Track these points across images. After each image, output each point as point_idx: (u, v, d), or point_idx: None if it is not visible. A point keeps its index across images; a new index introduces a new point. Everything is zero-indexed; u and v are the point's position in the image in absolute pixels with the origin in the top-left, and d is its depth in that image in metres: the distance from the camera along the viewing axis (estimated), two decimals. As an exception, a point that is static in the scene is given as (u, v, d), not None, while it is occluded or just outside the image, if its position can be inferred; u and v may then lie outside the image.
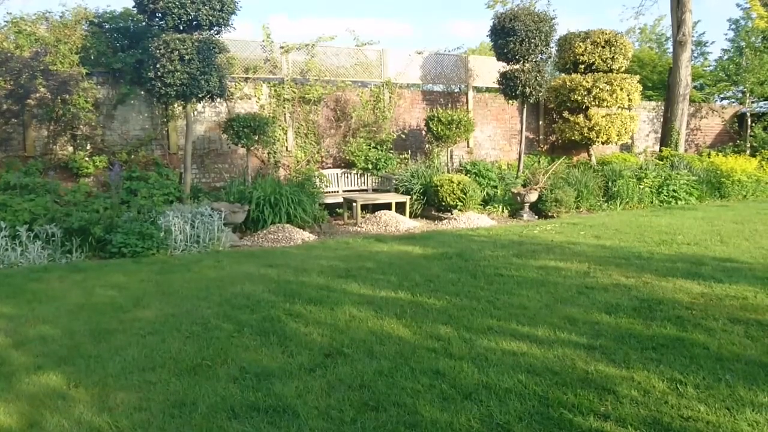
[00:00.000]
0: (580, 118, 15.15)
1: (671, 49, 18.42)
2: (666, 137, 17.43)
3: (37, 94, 10.01)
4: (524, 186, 13.07)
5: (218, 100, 11.85)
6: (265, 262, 7.67)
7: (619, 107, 15.30)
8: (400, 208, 12.03)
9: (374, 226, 11.11)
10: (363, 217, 11.78)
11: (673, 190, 13.92)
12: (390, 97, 14.04)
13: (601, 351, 4.45)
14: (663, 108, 18.04)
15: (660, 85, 20.85)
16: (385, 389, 3.81)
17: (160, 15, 9.83)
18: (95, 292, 6.33)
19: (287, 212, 10.01)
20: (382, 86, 13.94)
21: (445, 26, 51.91)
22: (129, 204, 9.52)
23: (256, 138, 10.94)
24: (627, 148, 17.86)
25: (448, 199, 11.84)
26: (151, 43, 9.77)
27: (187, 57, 9.51)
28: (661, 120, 18.26)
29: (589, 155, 15.97)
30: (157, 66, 9.54)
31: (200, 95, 9.82)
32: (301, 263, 7.60)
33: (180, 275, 7.07)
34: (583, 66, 15.16)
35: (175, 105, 11.54)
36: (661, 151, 17.15)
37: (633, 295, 5.92)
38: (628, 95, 15.04)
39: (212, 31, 10.34)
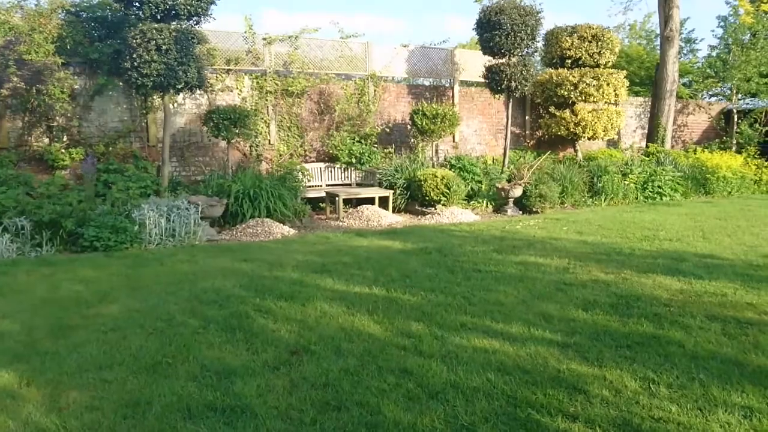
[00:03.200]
0: (567, 113, 15.07)
1: (659, 46, 18.37)
2: (653, 133, 17.37)
3: (10, 84, 9.78)
4: (509, 181, 12.96)
5: (198, 91, 11.65)
6: (240, 257, 7.51)
7: (605, 102, 15.22)
8: (384, 202, 11.89)
9: (356, 220, 10.97)
10: (345, 212, 11.63)
11: (659, 186, 13.88)
12: (375, 91, 13.88)
13: (574, 349, 4.35)
14: (650, 104, 17.99)
15: (648, 81, 20.81)
16: (349, 388, 3.68)
17: (137, 4, 9.61)
18: (62, 286, 6.15)
19: (267, 206, 9.84)
20: (367, 79, 13.78)
21: (439, 22, 51.76)
22: (105, 197, 9.32)
23: (237, 131, 10.76)
24: (614, 143, 17.81)
25: (431, 194, 11.72)
26: (128, 32, 9.55)
27: (164, 47, 9.29)
28: (648, 116, 18.22)
29: (575, 151, 15.90)
30: (134, 56, 9.32)
31: (178, 86, 9.61)
32: (277, 258, 7.44)
33: (151, 269, 6.90)
34: (569, 61, 15.07)
35: (155, 96, 11.34)
36: (647, 147, 17.09)
37: (611, 292, 5.83)
38: (614, 90, 14.95)
39: (191, 21, 10.13)
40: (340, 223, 10.89)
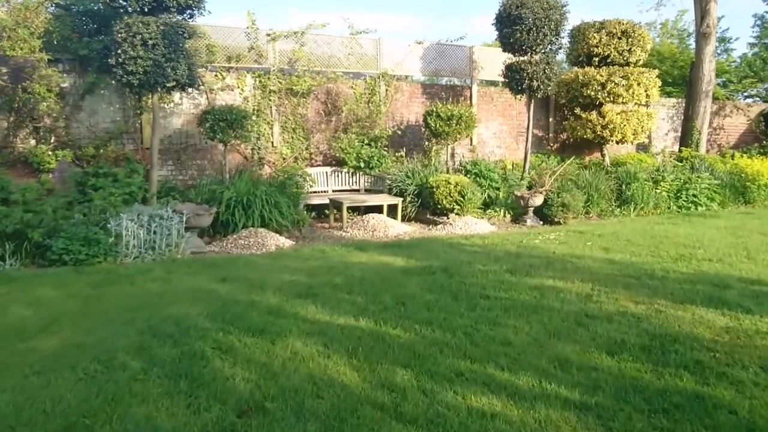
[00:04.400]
0: (593, 115, 14.04)
1: (693, 44, 17.20)
2: (686, 136, 16.22)
3: (-9, 82, 9.18)
4: (529, 188, 12.01)
5: (195, 91, 10.97)
6: (220, 275, 6.71)
7: (635, 104, 14.15)
8: (392, 211, 11.05)
9: (361, 230, 10.13)
10: (351, 220, 10.81)
11: (693, 195, 12.76)
12: (386, 90, 13.03)
13: (596, 414, 3.44)
14: (683, 105, 16.83)
15: (681, 81, 19.59)
16: (299, 472, 2.84)
17: (125, -5, 8.94)
18: (9, 311, 5.42)
19: (261, 215, 9.06)
20: (378, 78, 12.94)
21: (460, 22, 50.67)
22: (91, 204, 8.63)
23: (234, 133, 9.99)
24: (644, 147, 16.68)
25: (444, 202, 10.83)
26: (113, 26, 8.85)
27: (150, 42, 8.57)
28: (682, 118, 17.06)
29: (603, 155, 14.84)
30: (119, 52, 8.62)
31: (166, 84, 8.89)
32: (261, 277, 6.63)
33: (117, 290, 6.15)
34: (597, 59, 14.04)
35: (150, 96, 10.68)
36: (680, 151, 15.95)
37: (642, 328, 4.88)
38: (645, 91, 13.88)
39: (185, 15, 9.41)
40: (344, 234, 10.06)
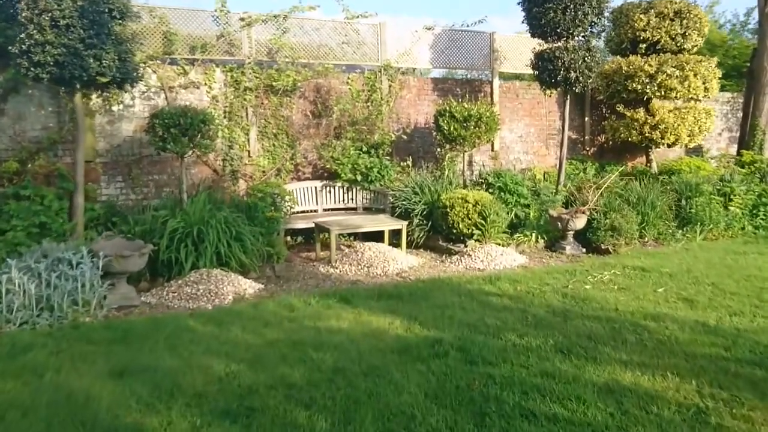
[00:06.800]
0: (640, 112, 11.64)
1: (748, 33, 14.70)
2: (747, 137, 13.71)
3: None
4: (567, 206, 9.65)
5: (145, 90, 8.80)
6: (122, 362, 4.45)
7: (691, 99, 11.73)
8: (396, 235, 8.78)
9: (354, 265, 7.85)
10: (344, 249, 8.56)
11: (773, 212, 10.28)
12: (390, 86, 10.74)
13: None
14: (742, 100, 14.33)
15: (734, 73, 17.05)
16: None
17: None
18: None
19: (217, 251, 6.82)
20: (380, 72, 10.65)
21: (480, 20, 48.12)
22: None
23: (190, 142, 7.75)
24: (694, 150, 14.20)
25: (460, 226, 8.53)
26: (18, 3, 6.67)
27: (63, 22, 6.38)
28: (739, 115, 14.57)
29: (649, 161, 12.41)
30: (22, 36, 6.44)
31: (85, 79, 6.68)
32: (182, 366, 4.37)
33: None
34: (644, 45, 11.62)
35: (94, 96, 8.54)
36: (739, 154, 13.46)
37: None
38: (704, 83, 11.45)
39: (122, -9, 7.21)
40: (331, 270, 7.80)
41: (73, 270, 5.65)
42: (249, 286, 6.80)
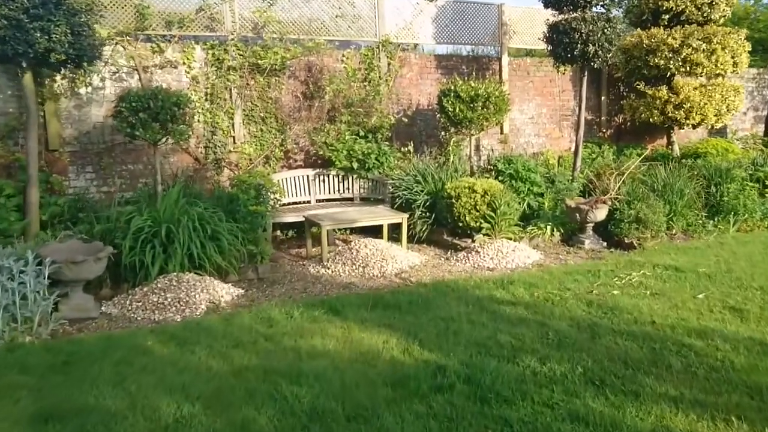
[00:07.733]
0: (663, 90, 10.64)
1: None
2: (775, 116, 12.74)
3: None
4: (584, 194, 8.75)
5: (106, 69, 7.94)
6: (54, 400, 3.61)
7: (718, 74, 10.74)
8: (396, 229, 7.92)
9: (348, 265, 6.98)
10: (338, 244, 7.71)
11: (810, 199, 9.33)
12: (389, 64, 9.80)
13: None
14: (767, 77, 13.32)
15: (760, 48, 15.92)
16: None
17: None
18: None
19: (189, 253, 5.97)
20: (378, 48, 9.71)
21: None
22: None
23: (161, 128, 6.87)
24: (718, 131, 13.19)
25: (467, 218, 7.65)
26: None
27: (3, -10, 5.50)
28: (765, 93, 13.55)
29: (670, 143, 11.42)
30: (-42, 7, 5.57)
31: (31, 56, 5.79)
32: (124, 406, 3.53)
33: None
34: (667, 16, 10.59)
35: (57, 78, 7.68)
36: (767, 135, 12.48)
37: None
38: (732, 57, 10.45)
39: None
40: (322, 270, 6.94)
41: (14, 281, 4.81)
42: (226, 293, 5.96)
